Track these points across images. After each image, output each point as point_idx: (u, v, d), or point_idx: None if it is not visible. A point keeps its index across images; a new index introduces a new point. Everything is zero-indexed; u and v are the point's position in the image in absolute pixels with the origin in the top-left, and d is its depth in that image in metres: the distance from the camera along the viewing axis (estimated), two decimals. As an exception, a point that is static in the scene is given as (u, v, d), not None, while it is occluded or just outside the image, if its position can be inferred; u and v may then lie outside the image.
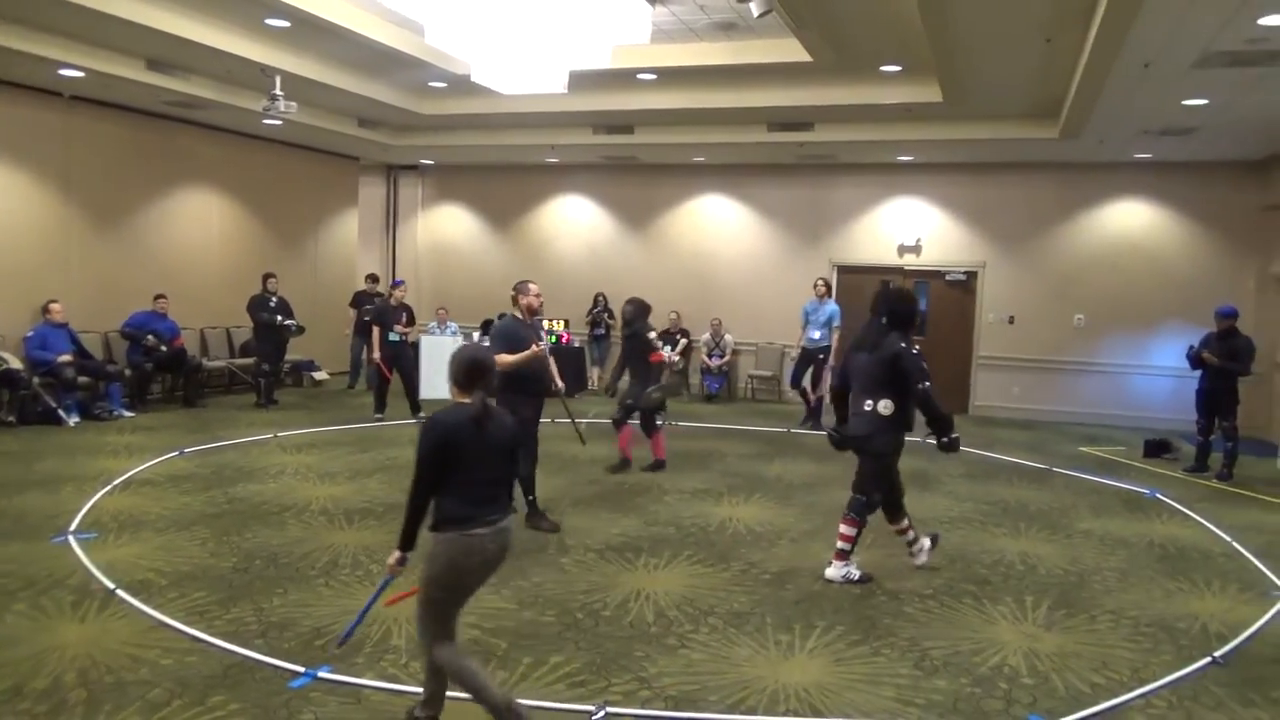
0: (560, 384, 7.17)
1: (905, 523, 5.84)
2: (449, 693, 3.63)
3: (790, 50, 9.03)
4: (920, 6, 6.75)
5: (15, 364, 9.82)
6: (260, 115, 10.51)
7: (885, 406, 5.44)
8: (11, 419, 9.62)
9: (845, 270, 14.10)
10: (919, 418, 5.55)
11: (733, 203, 14.69)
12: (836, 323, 11.61)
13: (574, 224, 15.68)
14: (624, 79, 10.48)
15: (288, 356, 12.58)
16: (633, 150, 13.58)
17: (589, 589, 5.34)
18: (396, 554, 3.47)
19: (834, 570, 5.62)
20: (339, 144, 14.05)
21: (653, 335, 8.65)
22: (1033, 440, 10.98)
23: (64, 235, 11.01)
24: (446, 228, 16.61)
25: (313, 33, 8.97)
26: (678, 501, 7.49)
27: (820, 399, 11.63)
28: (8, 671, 4.03)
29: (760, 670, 4.32)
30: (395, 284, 11.90)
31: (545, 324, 13.89)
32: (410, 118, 12.55)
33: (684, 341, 14.20)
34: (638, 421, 8.56)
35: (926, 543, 5.94)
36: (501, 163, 15.60)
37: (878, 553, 6.26)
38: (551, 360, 7.02)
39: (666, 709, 3.91)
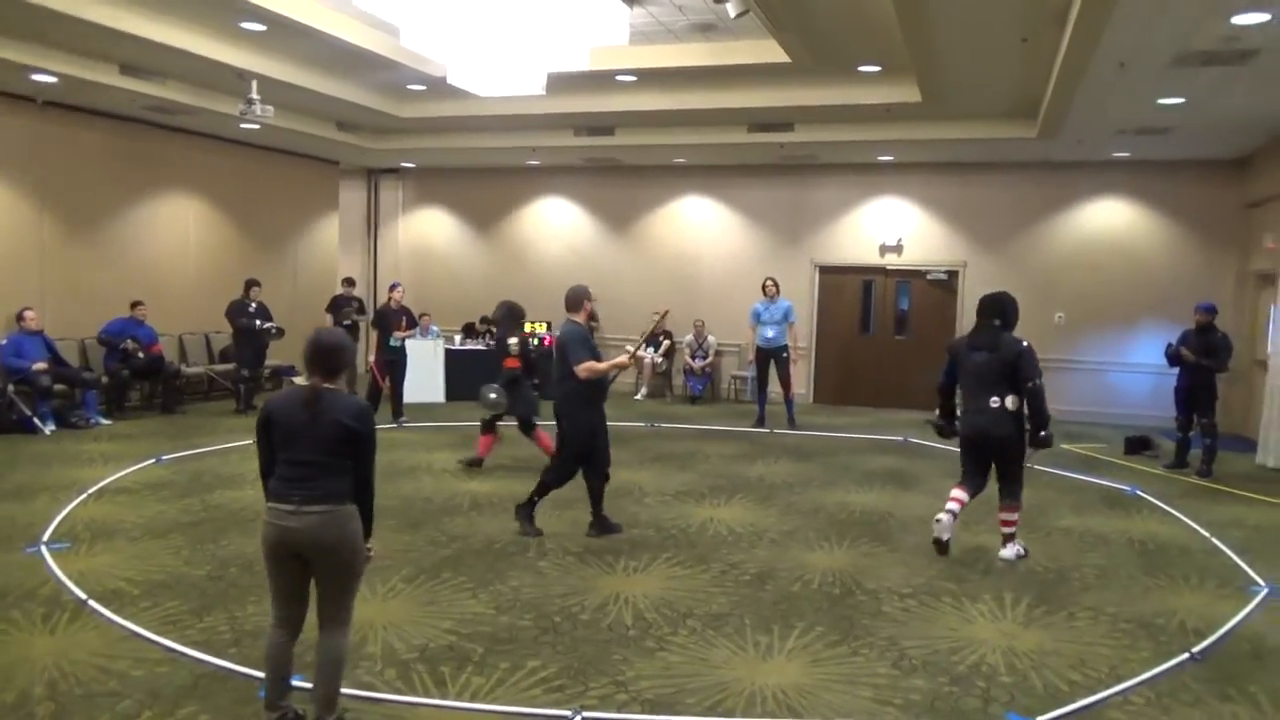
0: None
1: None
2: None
3: (769, 51, 9.03)
4: (897, 7, 6.76)
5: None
6: (237, 119, 10.44)
7: (1011, 402, 5.97)
8: None
9: (827, 270, 14.12)
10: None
11: (714, 204, 14.69)
12: (793, 318, 11.63)
13: (556, 226, 15.65)
14: (603, 81, 10.46)
15: (268, 362, 12.49)
16: (614, 152, 13.55)
17: (567, 592, 5.31)
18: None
19: (1009, 551, 6.17)
20: (318, 148, 13.97)
21: (513, 342, 8.64)
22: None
23: (38, 242, 10.90)
24: (428, 231, 16.54)
25: (288, 35, 8.91)
26: (658, 503, 7.46)
27: (792, 397, 11.66)
28: (-26, 684, 3.97)
29: (738, 672, 4.30)
30: (393, 286, 11.70)
31: (528, 327, 13.89)
32: (389, 121, 12.49)
33: (667, 343, 14.19)
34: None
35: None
36: (482, 165, 15.55)
37: (853, 553, 6.25)
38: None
39: (643, 713, 3.88)
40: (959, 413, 6.37)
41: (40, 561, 5.61)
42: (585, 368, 6.19)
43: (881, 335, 14.03)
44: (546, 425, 7.39)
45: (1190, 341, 9.13)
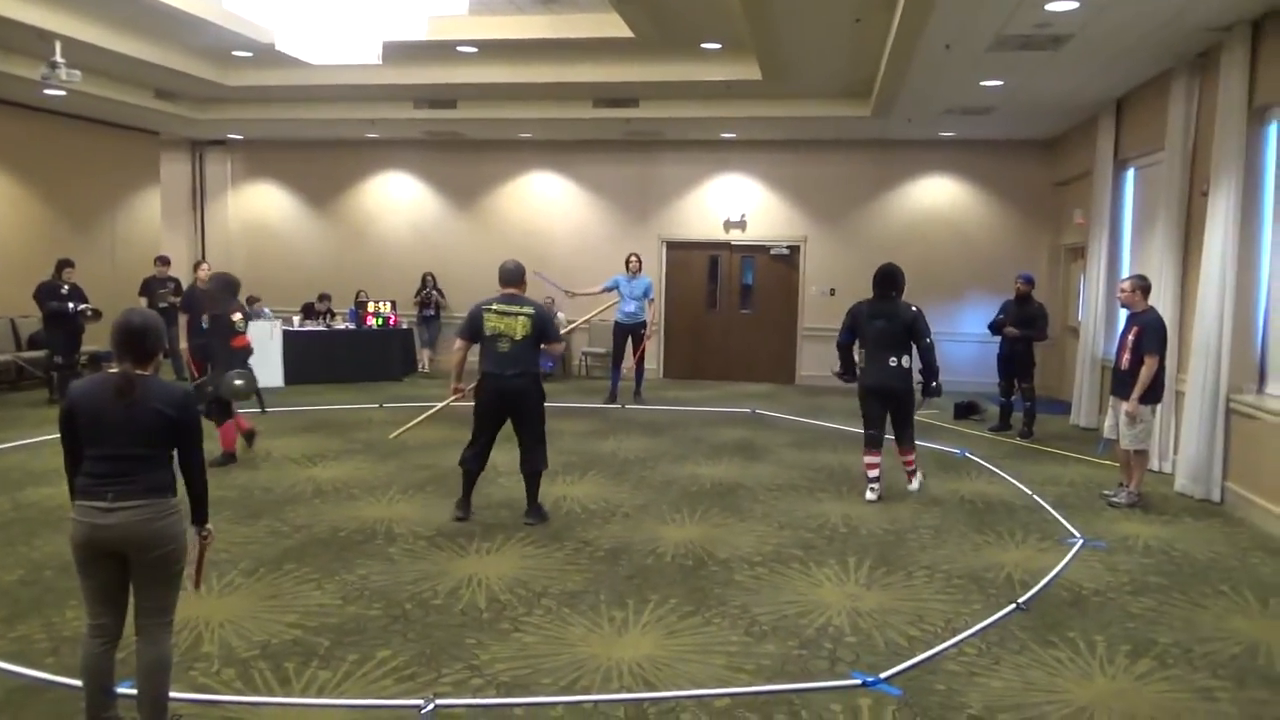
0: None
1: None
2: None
3: (612, 25, 8.99)
4: (736, -17, 6.84)
5: None
6: (39, 85, 9.59)
7: (906, 361, 6.96)
8: None
9: (674, 246, 14.28)
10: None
11: (561, 180, 14.59)
12: (652, 295, 11.75)
13: (398, 202, 15.19)
14: (443, 51, 10.17)
15: (84, 347, 11.60)
16: (456, 126, 13.24)
17: (418, 578, 5.18)
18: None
19: (915, 484, 7.31)
20: (135, 117, 13.01)
21: (237, 318, 7.93)
22: (854, 407, 11.38)
23: None
24: (261, 207, 15.74)
25: (96, -6, 8.24)
26: (511, 483, 7.36)
27: (643, 372, 11.77)
28: None
29: (594, 649, 4.29)
30: (198, 264, 11.01)
31: (371, 306, 13.46)
32: (214, 89, 11.76)
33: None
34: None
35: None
36: (318, 138, 14.89)
37: (705, 525, 6.36)
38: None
39: (498, 696, 3.82)
40: (860, 369, 7.17)
41: None
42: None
43: (727, 310, 14.31)
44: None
45: (1010, 311, 9.71)
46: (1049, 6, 6.60)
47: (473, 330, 6.15)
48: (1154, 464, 7.80)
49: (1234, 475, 6.99)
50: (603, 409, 11.22)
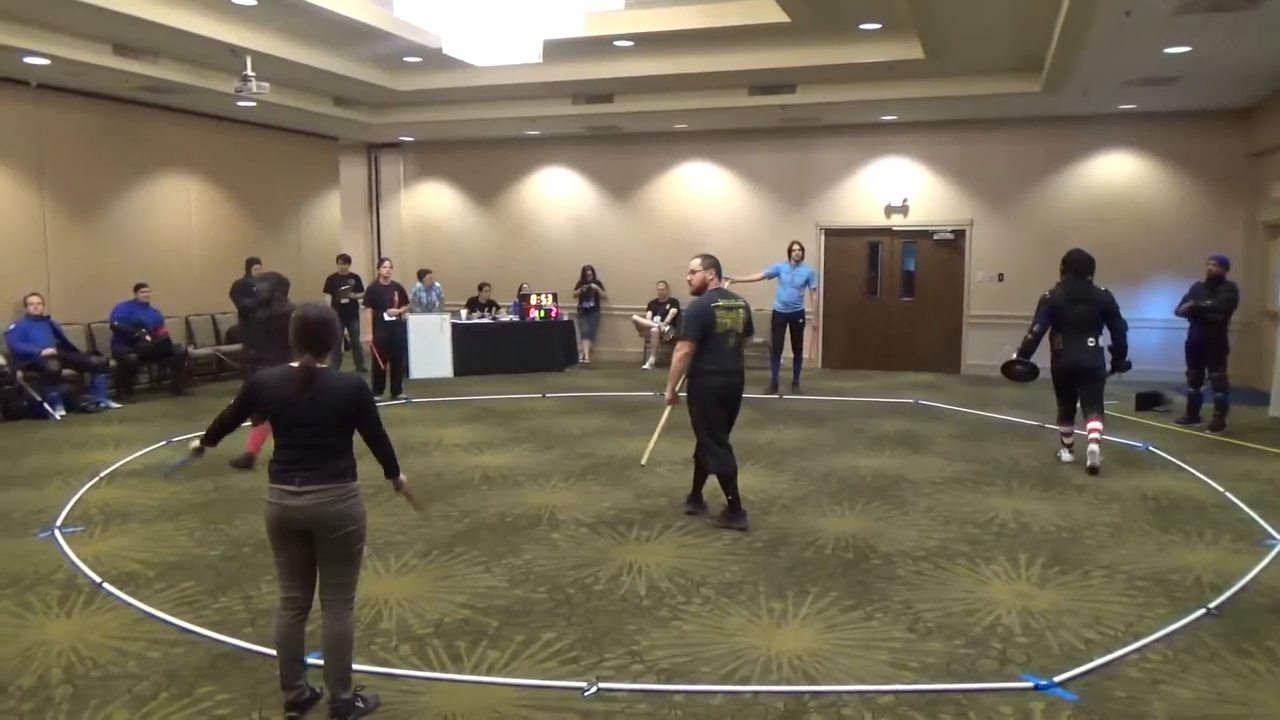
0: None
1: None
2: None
3: (768, 11, 8.91)
4: (897, -39, 6.65)
5: (-2, 359, 9.73)
6: (233, 97, 10.34)
7: (1103, 340, 7.47)
8: None
9: (832, 233, 14.03)
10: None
11: (717, 169, 14.57)
12: (814, 284, 11.57)
13: (558, 197, 15.55)
14: (600, 47, 10.34)
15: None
16: (613, 120, 13.43)
17: (580, 564, 5.31)
18: (196, 443, 3.88)
19: (1098, 451, 7.39)
20: (316, 124, 13.87)
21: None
22: (1024, 398, 10.94)
23: (39, 227, 10.86)
24: (430, 205, 16.46)
25: (280, 9, 8.81)
26: (669, 473, 7.45)
27: (802, 363, 11.62)
28: (-7, 670, 3.99)
29: (753, 640, 4.29)
30: (380, 262, 11.69)
31: (534, 299, 13.87)
32: (386, 94, 12.39)
33: (673, 311, 14.14)
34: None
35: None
36: (482, 137, 15.43)
37: (866, 517, 6.24)
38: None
39: (659, 682, 3.88)
40: (1055, 351, 7.59)
41: (54, 546, 5.63)
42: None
43: (888, 297, 13.95)
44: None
45: (1200, 294, 9.05)
46: (1244, -36, 6.10)
47: (704, 330, 5.80)
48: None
49: None
50: (761, 399, 11.15)
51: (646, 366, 14.08)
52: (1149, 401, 10.30)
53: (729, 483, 5.98)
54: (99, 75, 10.06)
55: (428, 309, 13.09)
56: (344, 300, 12.67)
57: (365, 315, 10.99)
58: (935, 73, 10.70)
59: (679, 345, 5.91)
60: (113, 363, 10.82)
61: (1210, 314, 8.88)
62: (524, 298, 13.98)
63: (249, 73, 9.37)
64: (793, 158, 14.09)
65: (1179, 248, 12.11)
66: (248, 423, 7.17)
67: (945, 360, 13.58)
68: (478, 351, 13.22)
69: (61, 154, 11.03)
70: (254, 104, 11.59)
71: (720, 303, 5.89)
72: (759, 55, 10.46)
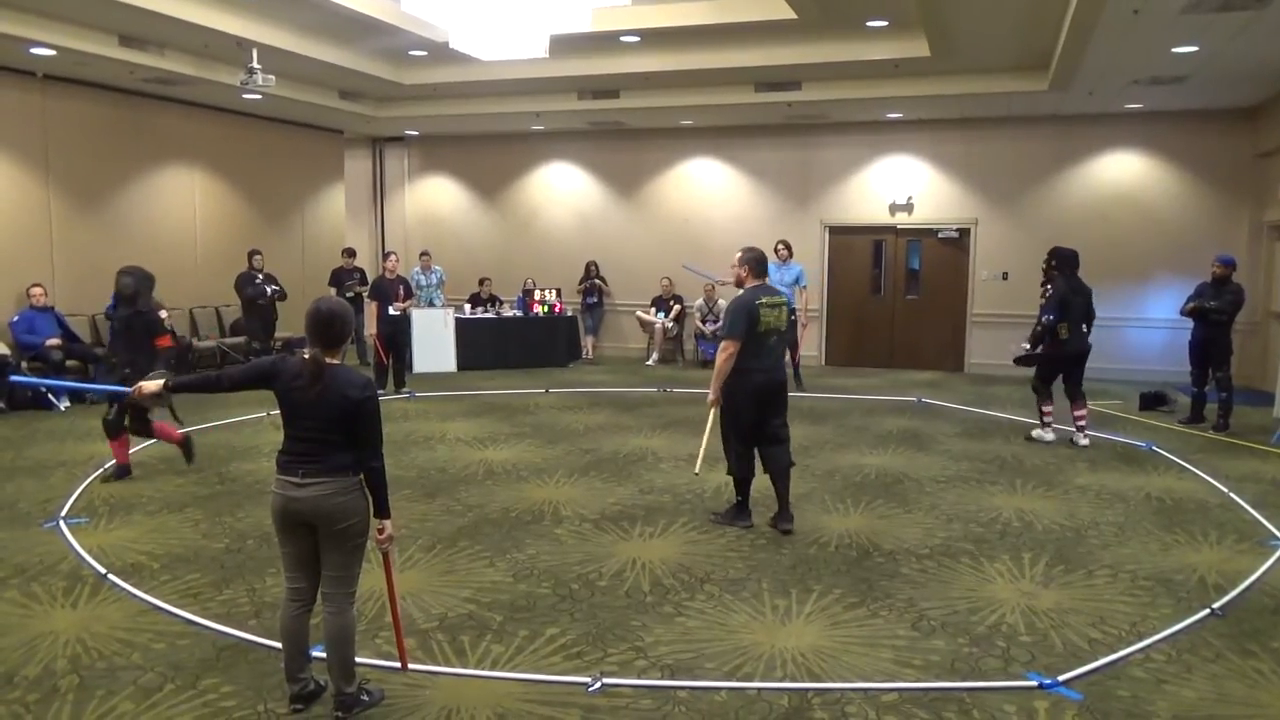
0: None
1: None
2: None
3: (774, 7, 8.90)
4: (905, -42, 6.63)
5: (3, 350, 9.73)
6: (239, 90, 10.35)
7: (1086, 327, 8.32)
8: (1, 405, 9.54)
9: (837, 231, 14.01)
10: None
11: (722, 165, 14.56)
12: (804, 282, 11.49)
13: (562, 192, 15.54)
14: (607, 42, 10.33)
15: (281, 334, 12.48)
16: (619, 115, 13.42)
17: (584, 559, 5.31)
18: (158, 384, 3.78)
19: (1084, 438, 8.29)
20: (321, 117, 13.86)
21: (164, 315, 7.05)
22: (1028, 397, 10.90)
23: (44, 218, 10.87)
24: (435, 200, 16.46)
25: (287, 2, 8.83)
26: (673, 469, 7.46)
27: (799, 360, 11.58)
28: (-1, 660, 4.00)
29: (757, 636, 4.30)
30: (386, 255, 11.69)
31: (537, 294, 13.87)
32: (392, 88, 12.38)
33: (677, 308, 14.14)
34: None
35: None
36: (487, 132, 15.42)
37: (869, 515, 6.24)
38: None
39: (663, 678, 3.88)
40: (1062, 339, 8.14)
41: (59, 537, 5.64)
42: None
43: (892, 295, 13.94)
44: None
45: (1206, 295, 9.03)
46: (1254, -36, 6.08)
47: (749, 328, 5.61)
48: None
49: None
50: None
51: (650, 362, 14.08)
52: (1153, 401, 10.29)
53: (742, 486, 5.93)
54: (105, 66, 10.06)
55: (427, 293, 13.09)
56: (349, 294, 12.68)
57: (370, 309, 10.97)
58: (941, 71, 10.68)
59: (724, 345, 5.69)
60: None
61: (1214, 315, 8.86)
62: (528, 293, 13.98)
63: (255, 65, 9.38)
64: (798, 155, 14.07)
65: (1184, 247, 12.09)
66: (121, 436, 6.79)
67: (949, 359, 13.58)
68: (481, 346, 13.22)
69: (67, 145, 11.04)
70: (259, 97, 11.59)
71: (764, 300, 5.67)
72: (765, 52, 10.44)
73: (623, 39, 10.25)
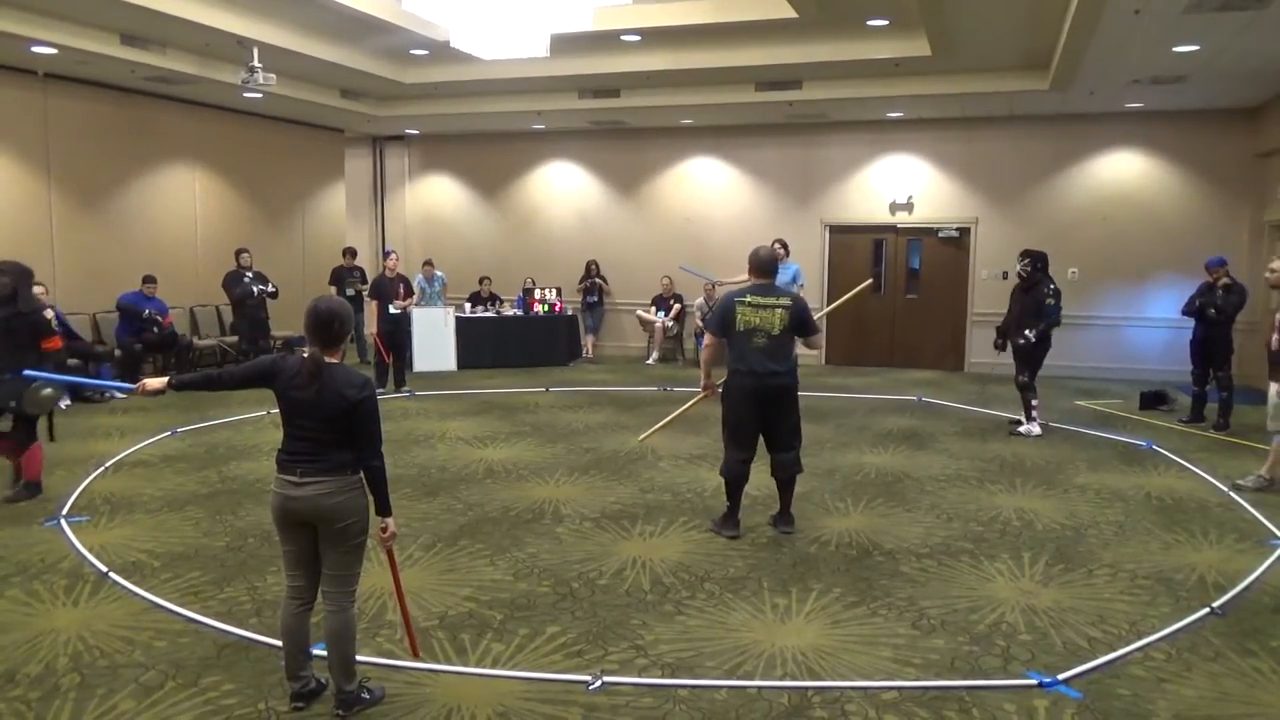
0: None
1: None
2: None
3: (775, 6, 8.90)
4: (906, -43, 6.63)
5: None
6: (240, 88, 10.35)
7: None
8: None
9: (837, 230, 14.01)
10: None
11: (723, 165, 14.56)
12: (801, 281, 11.46)
13: (563, 191, 15.54)
14: (608, 41, 10.34)
15: (279, 332, 12.48)
16: (620, 114, 13.42)
17: (584, 558, 5.32)
18: (162, 382, 3.74)
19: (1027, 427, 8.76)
20: (322, 116, 13.86)
21: (49, 315, 6.40)
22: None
23: (45, 216, 10.88)
24: (435, 198, 16.46)
25: (288, 1, 8.82)
26: (673, 467, 7.46)
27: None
28: (0, 658, 4.00)
29: (757, 635, 4.30)
30: (386, 254, 11.69)
31: (538, 293, 13.88)
32: (393, 87, 12.38)
33: (678, 307, 14.15)
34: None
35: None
36: (488, 131, 15.42)
37: (870, 514, 6.25)
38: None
39: (663, 676, 3.89)
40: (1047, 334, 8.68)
41: (60, 535, 5.65)
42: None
43: (892, 294, 13.94)
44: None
45: (1208, 293, 9.03)
46: (1255, -37, 6.08)
47: (723, 324, 5.62)
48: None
49: None
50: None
51: (650, 362, 14.09)
52: (1153, 401, 10.29)
53: (729, 489, 5.79)
54: (106, 65, 10.06)
55: (430, 301, 13.11)
56: (349, 293, 12.69)
57: (370, 308, 10.97)
58: (942, 70, 10.68)
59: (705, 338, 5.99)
60: (118, 351, 10.82)
61: (1216, 315, 8.88)
62: (528, 292, 13.98)
63: (256, 64, 9.38)
64: (798, 154, 14.07)
65: (1185, 247, 12.09)
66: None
67: (949, 358, 13.58)
68: (481, 345, 13.22)
69: (68, 144, 11.04)
70: (260, 95, 11.60)
71: (748, 299, 5.59)
72: (766, 51, 10.44)
73: (623, 38, 10.25)
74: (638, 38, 10.23)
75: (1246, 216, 12.09)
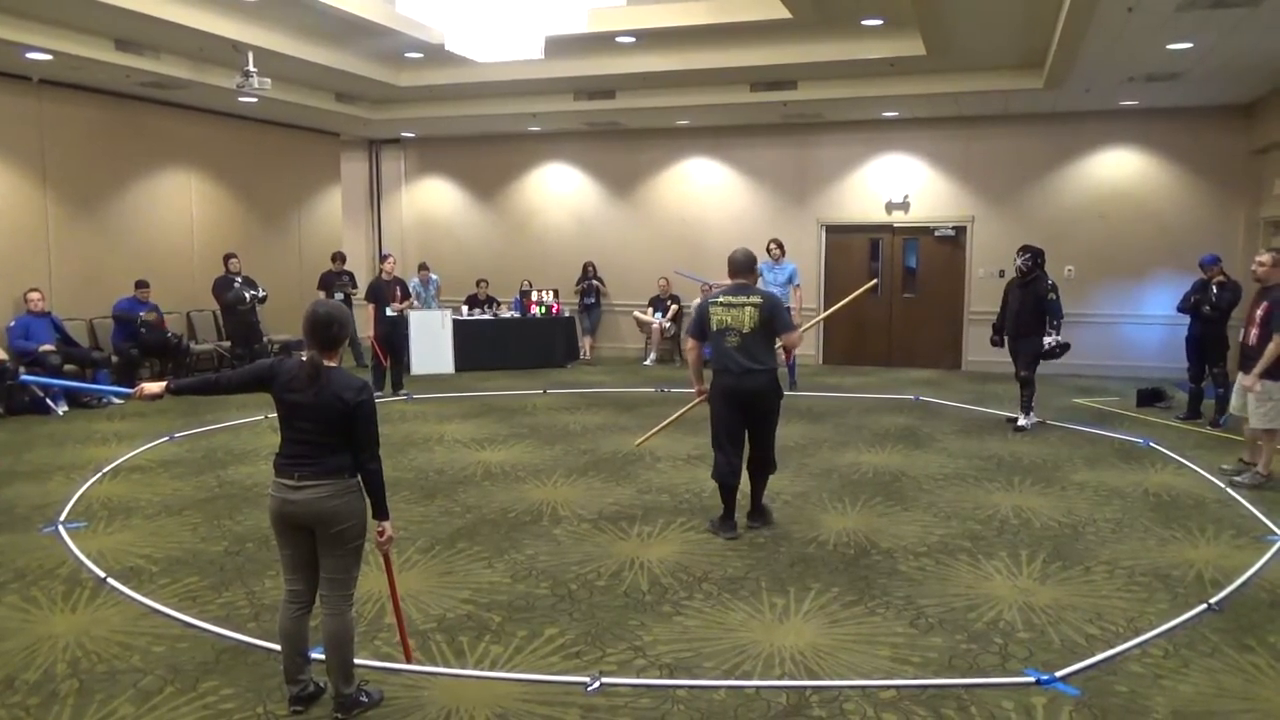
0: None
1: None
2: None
3: (770, 6, 8.91)
4: (899, -43, 6.64)
5: (0, 355, 9.73)
6: (235, 93, 10.34)
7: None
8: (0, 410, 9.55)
9: (833, 229, 14.02)
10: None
11: (719, 165, 14.56)
12: (797, 281, 11.47)
13: (559, 193, 15.54)
14: (603, 42, 10.34)
15: (275, 336, 12.46)
16: (615, 116, 13.42)
17: (582, 559, 5.32)
18: (159, 386, 3.71)
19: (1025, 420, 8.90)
20: (318, 119, 13.86)
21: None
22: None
23: (40, 222, 10.86)
24: (431, 201, 16.46)
25: (283, 5, 8.82)
26: (671, 469, 7.47)
27: (793, 360, 11.53)
28: (-2, 665, 4.00)
29: (755, 635, 4.31)
30: (383, 258, 11.68)
31: (535, 295, 13.88)
32: (388, 90, 12.38)
33: (675, 308, 14.15)
34: None
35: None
36: (483, 133, 15.42)
37: (867, 514, 6.25)
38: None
39: (662, 677, 3.89)
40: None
41: (58, 541, 5.64)
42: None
43: (889, 293, 13.94)
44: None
45: (1218, 295, 9.04)
46: (1247, -39, 6.10)
47: (700, 326, 5.75)
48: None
49: None
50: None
51: (648, 363, 14.09)
52: (1150, 398, 10.30)
53: (722, 492, 5.78)
54: (101, 71, 10.05)
55: (425, 304, 13.10)
56: (339, 296, 12.63)
57: (367, 311, 10.96)
58: (937, 69, 10.69)
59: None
60: (114, 358, 10.82)
61: (1211, 312, 8.91)
62: (525, 294, 13.98)
63: (250, 68, 9.39)
64: (794, 154, 14.08)
65: (1181, 244, 12.10)
66: None
67: (946, 357, 13.59)
68: (479, 347, 13.22)
69: (63, 149, 11.03)
70: (255, 100, 11.57)
71: (720, 299, 5.69)
72: (761, 51, 10.45)
73: (618, 39, 10.25)
74: (632, 39, 10.24)
75: (1242, 213, 12.11)
